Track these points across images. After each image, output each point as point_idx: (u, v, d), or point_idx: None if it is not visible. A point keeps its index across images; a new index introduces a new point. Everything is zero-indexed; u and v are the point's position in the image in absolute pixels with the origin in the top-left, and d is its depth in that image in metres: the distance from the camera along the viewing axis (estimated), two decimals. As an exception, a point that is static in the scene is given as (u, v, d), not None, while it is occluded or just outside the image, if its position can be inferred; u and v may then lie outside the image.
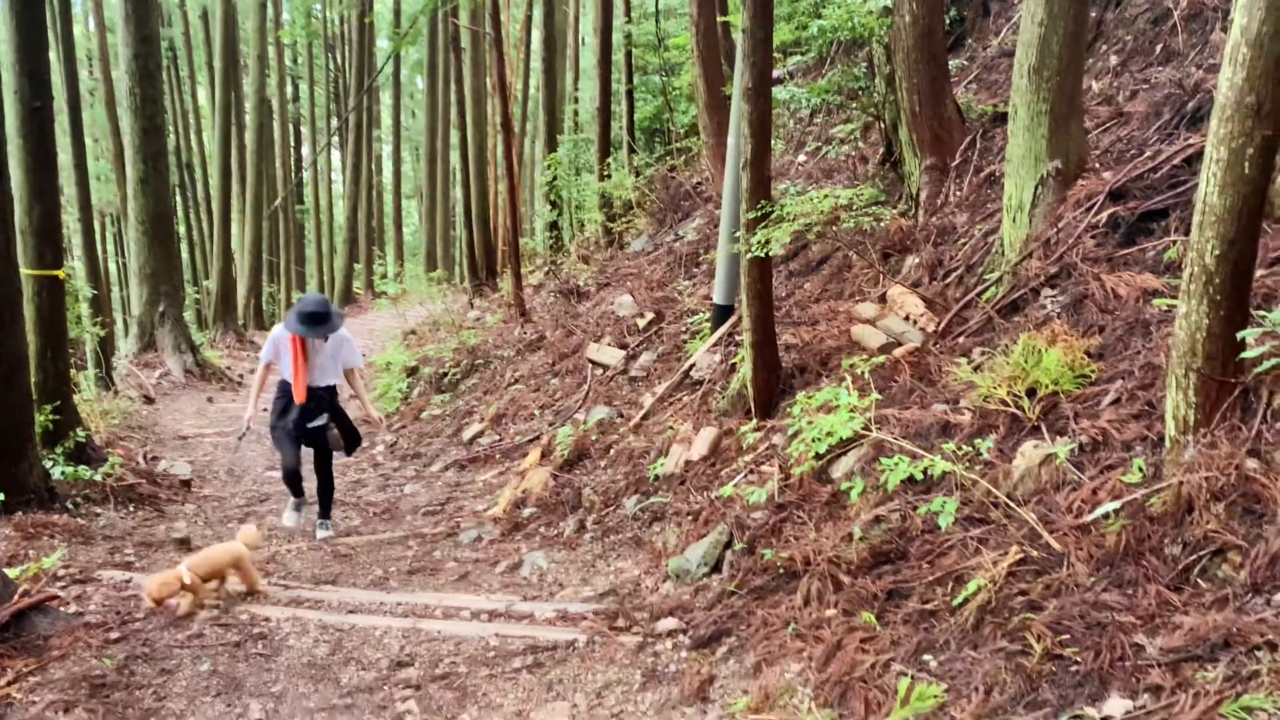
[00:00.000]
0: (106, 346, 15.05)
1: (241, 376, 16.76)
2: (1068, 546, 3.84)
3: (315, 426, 7.12)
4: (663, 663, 4.68)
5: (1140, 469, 3.99)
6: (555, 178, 17.04)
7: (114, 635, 5.10)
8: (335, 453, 7.40)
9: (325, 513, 7.41)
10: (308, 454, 7.41)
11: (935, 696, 3.53)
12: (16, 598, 5.08)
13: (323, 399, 7.18)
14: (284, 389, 7.08)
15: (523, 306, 13.55)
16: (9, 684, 4.52)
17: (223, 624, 5.32)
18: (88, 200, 15.58)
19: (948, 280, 6.68)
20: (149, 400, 13.80)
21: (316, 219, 38.10)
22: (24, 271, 7.39)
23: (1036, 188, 5.98)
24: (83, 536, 6.83)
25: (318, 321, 6.89)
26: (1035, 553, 3.93)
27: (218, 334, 21.05)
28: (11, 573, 5.43)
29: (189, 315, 17.46)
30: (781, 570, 4.89)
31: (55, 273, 7.88)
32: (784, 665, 4.25)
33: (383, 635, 5.24)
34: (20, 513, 6.70)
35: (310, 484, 7.53)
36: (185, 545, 6.87)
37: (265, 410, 7.48)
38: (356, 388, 7.45)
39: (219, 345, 20.11)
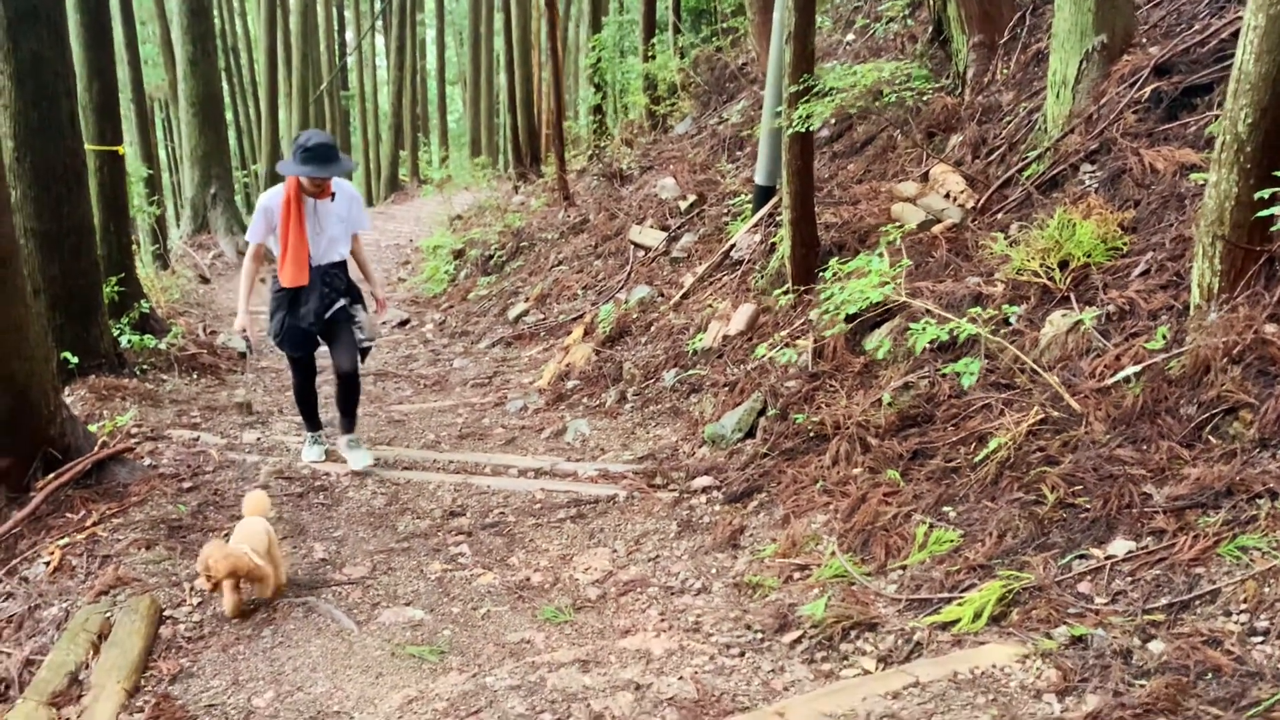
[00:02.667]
0: (161, 227, 15.40)
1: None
2: (1087, 407, 4.00)
3: (335, 313, 5.50)
4: (697, 515, 4.97)
5: (1163, 336, 4.11)
6: (600, 60, 16.88)
7: (186, 485, 5.48)
8: (361, 349, 5.72)
9: (351, 425, 5.85)
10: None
11: (951, 541, 3.77)
12: (97, 448, 5.46)
13: (336, 278, 5.52)
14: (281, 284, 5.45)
15: (567, 190, 13.64)
16: (94, 524, 4.92)
17: (286, 477, 5.69)
18: (140, 81, 15.74)
19: (990, 158, 6.69)
20: (204, 280, 14.20)
21: (362, 105, 38.00)
22: (86, 147, 7.63)
23: (1081, 63, 5.94)
24: (151, 400, 7.22)
25: (328, 158, 5.10)
26: (1056, 413, 4.10)
27: (267, 217, 21.36)
28: (89, 429, 5.82)
29: (238, 199, 17.71)
30: (812, 434, 5.11)
31: (115, 148, 8.13)
32: (811, 517, 4.50)
33: (436, 489, 5.58)
34: (93, 376, 7.09)
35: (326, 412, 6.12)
36: (247, 409, 7.24)
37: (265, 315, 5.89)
38: (362, 259, 5.87)
39: (269, 229, 20.41)
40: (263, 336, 6.49)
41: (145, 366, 7.92)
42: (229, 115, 29.87)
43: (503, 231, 13.53)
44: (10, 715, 3.30)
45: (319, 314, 5.44)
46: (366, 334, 5.68)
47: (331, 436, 6.15)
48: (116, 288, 8.09)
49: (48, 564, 4.55)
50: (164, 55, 23.56)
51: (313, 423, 5.94)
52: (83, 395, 6.84)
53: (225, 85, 30.57)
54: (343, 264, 5.59)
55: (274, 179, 21.96)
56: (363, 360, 5.78)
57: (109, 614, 3.98)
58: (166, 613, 4.13)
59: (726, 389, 6.21)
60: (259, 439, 6.46)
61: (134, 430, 6.28)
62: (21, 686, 3.65)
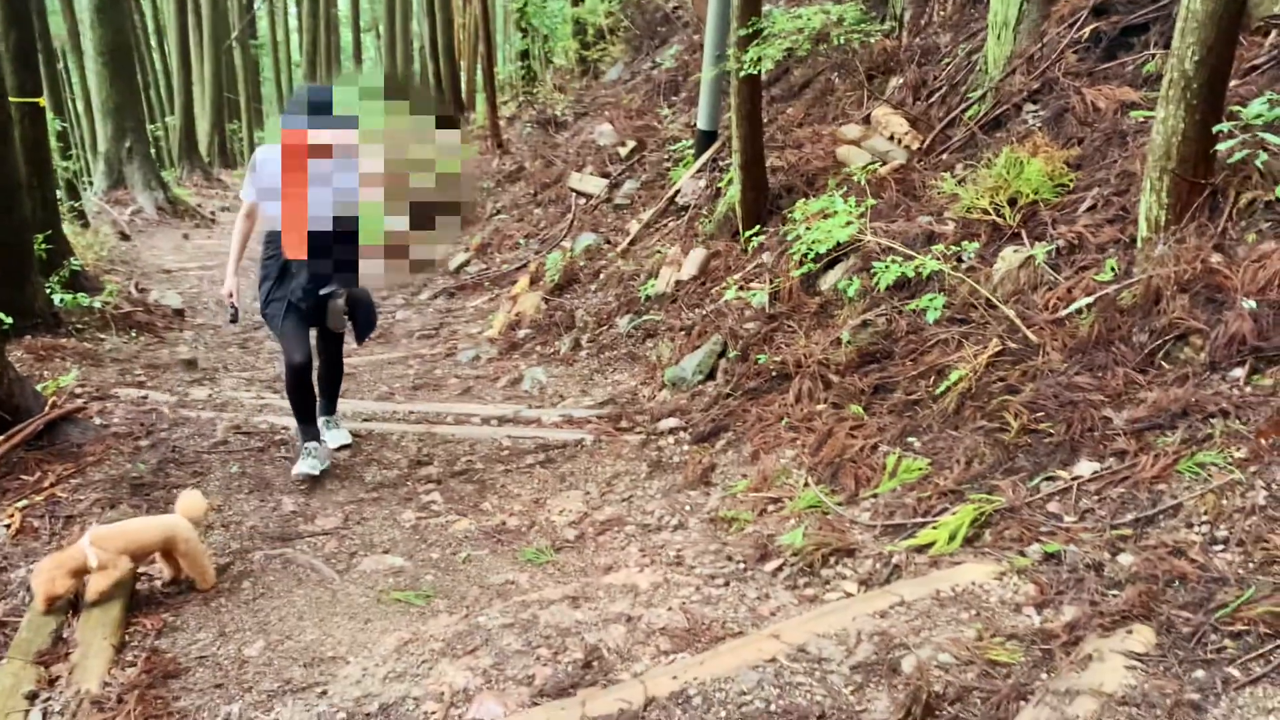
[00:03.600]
0: (75, 183, 14.84)
1: (214, 214, 16.66)
2: (1043, 338, 4.17)
3: (328, 294, 4.89)
4: (666, 455, 5.06)
5: (1113, 268, 4.29)
6: (526, 4, 16.62)
7: (143, 443, 5.39)
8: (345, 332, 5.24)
9: (332, 406, 5.46)
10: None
11: (920, 469, 3.92)
12: (47, 409, 5.33)
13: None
14: (276, 242, 4.82)
15: (499, 137, 13.50)
16: (52, 485, 4.82)
17: (245, 432, 5.62)
18: (45, 29, 15.03)
19: (931, 100, 6.82)
20: (125, 237, 13.74)
21: (274, 55, 36.80)
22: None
23: (1022, 4, 6.07)
24: (92, 359, 7.04)
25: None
26: (1013, 345, 4.27)
27: (184, 172, 20.70)
28: (37, 389, 5.66)
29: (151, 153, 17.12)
30: (774, 373, 5.23)
31: (36, 100, 7.80)
32: (779, 453, 4.63)
33: (399, 439, 5.58)
34: (29, 336, 6.87)
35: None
36: (192, 366, 7.11)
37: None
38: None
39: (186, 183, 19.80)
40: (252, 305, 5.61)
41: (80, 326, 7.70)
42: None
43: (435, 181, 13.33)
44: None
45: (310, 287, 4.79)
46: (333, 324, 5.05)
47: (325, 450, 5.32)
48: (44, 245, 7.82)
49: (8, 527, 4.46)
50: (62, 0, 22.54)
51: (310, 429, 5.10)
52: (20, 356, 6.63)
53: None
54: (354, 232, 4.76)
55: (189, 132, 21.32)
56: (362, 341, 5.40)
57: (82, 573, 3.92)
58: (140, 570, 4.09)
59: (683, 333, 6.29)
60: (210, 395, 6.36)
61: (79, 390, 6.13)
62: (-3, 650, 3.61)
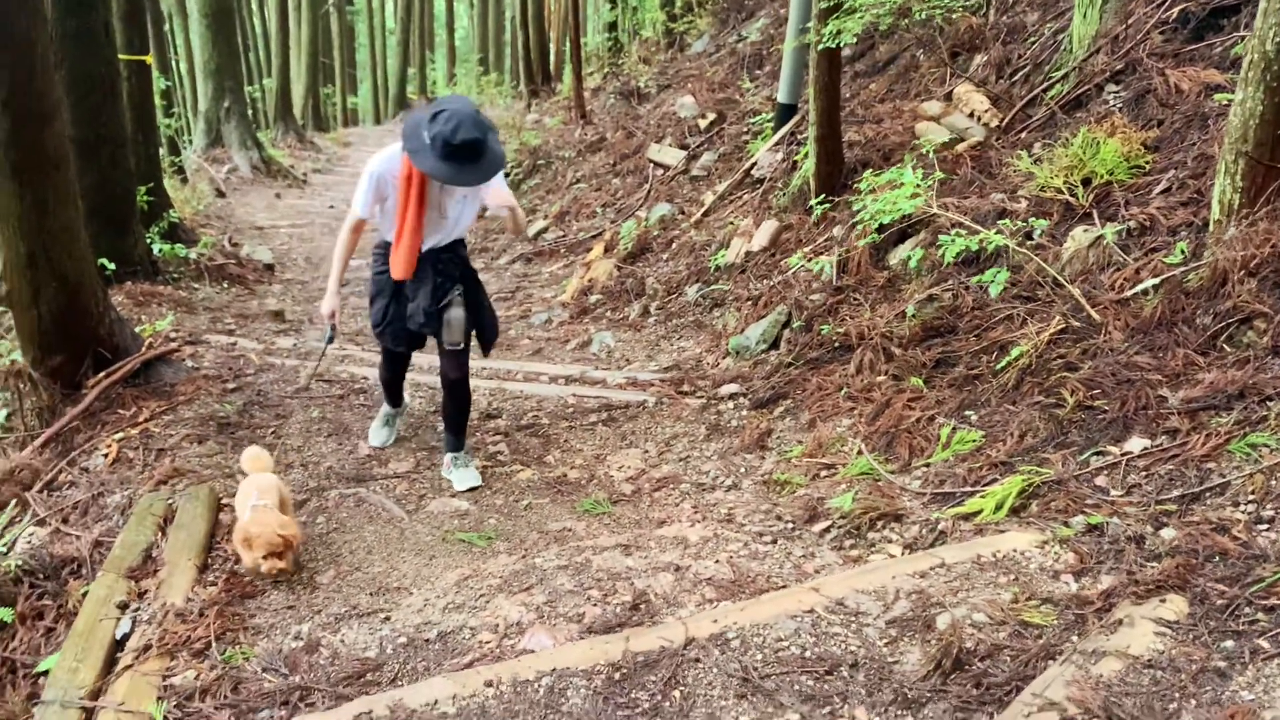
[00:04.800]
0: (176, 140, 15.42)
1: (305, 175, 17.14)
2: (1106, 317, 4.17)
3: (444, 307, 4.45)
4: (725, 419, 5.18)
5: (1182, 250, 4.26)
6: (616, -25, 16.70)
7: (230, 386, 5.69)
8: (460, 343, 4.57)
9: (459, 443, 4.79)
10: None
11: (973, 441, 3.97)
12: (144, 349, 5.66)
13: (450, 264, 4.45)
14: (387, 255, 4.40)
15: (583, 108, 13.64)
16: (146, 420, 5.13)
17: (326, 380, 5.89)
18: (152, -9, 15.62)
19: (1014, 78, 6.75)
20: (220, 194, 14.26)
21: (369, 21, 37.52)
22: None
23: (1110, -17, 5.98)
24: (186, 307, 7.40)
25: (477, 155, 3.90)
26: (1076, 323, 4.27)
27: (278, 134, 21.29)
28: (135, 331, 6.01)
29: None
30: (836, 344, 5.30)
31: (143, 58, 8.17)
32: (836, 421, 4.71)
33: (471, 393, 5.77)
34: (129, 283, 7.26)
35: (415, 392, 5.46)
36: (280, 317, 7.43)
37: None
38: (518, 220, 4.47)
39: (280, 145, 20.37)
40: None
41: (177, 275, 8.09)
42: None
43: (519, 149, 13.56)
44: (94, 585, 3.54)
45: (430, 311, 4.39)
46: (449, 337, 4.49)
47: (403, 418, 5.27)
48: (146, 197, 8.21)
49: (106, 456, 4.78)
50: (170, -35, 23.25)
51: (393, 398, 5.08)
52: (120, 301, 7.00)
53: (232, -2, 30.17)
54: (458, 244, 4.49)
55: (284, 95, 21.89)
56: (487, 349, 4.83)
57: (171, 501, 4.21)
58: (224, 500, 4.35)
59: (750, 303, 6.37)
60: (295, 345, 6.66)
61: (173, 335, 6.47)
62: (93, 565, 3.89)
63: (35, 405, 5.25)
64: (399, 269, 4.28)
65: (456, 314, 4.44)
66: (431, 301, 4.37)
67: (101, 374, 5.33)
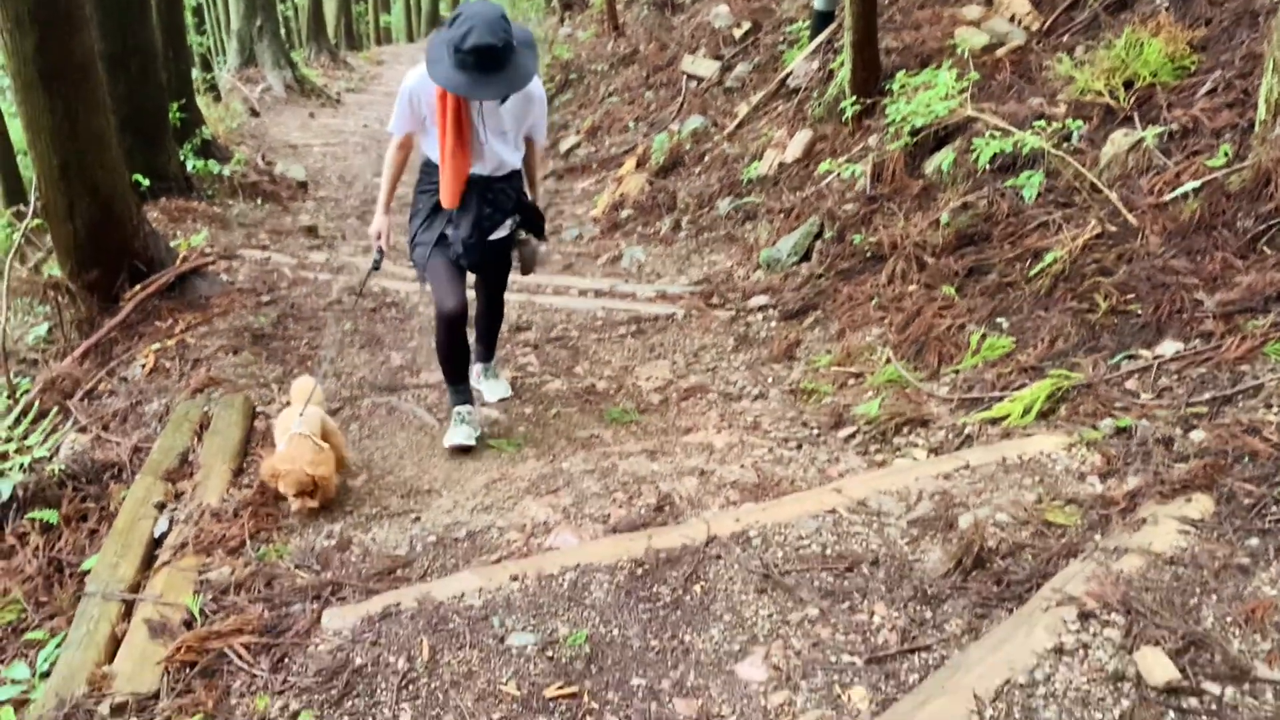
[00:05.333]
0: (209, 59, 15.38)
1: (339, 95, 17.05)
2: (1144, 222, 4.08)
3: (498, 240, 4.09)
4: (753, 331, 5.16)
5: (1226, 153, 4.13)
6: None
7: (265, 299, 5.74)
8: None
9: (489, 353, 4.71)
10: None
11: (1004, 347, 3.93)
12: (178, 263, 5.72)
13: (503, 195, 4.01)
14: (435, 174, 3.98)
15: (616, 20, 13.38)
16: (182, 331, 5.21)
17: (357, 293, 5.92)
18: (180, -93, 15.44)
19: (1058, -20, 6.52)
20: (254, 113, 14.25)
21: (400, -64, 36.86)
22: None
23: (1162, -125, 5.71)
24: (220, 222, 7.45)
25: (496, 64, 3.50)
26: (1113, 228, 4.18)
27: (311, 53, 21.14)
28: (169, 244, 6.07)
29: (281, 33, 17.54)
30: (868, 254, 5.23)
31: (171, -29, 8.12)
32: (865, 330, 4.67)
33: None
34: (163, 198, 7.32)
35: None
36: (313, 233, 7.46)
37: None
38: (530, 169, 4.22)
39: (313, 64, 20.26)
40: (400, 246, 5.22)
41: (211, 191, 8.14)
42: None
43: (550, 64, 13.38)
44: (134, 487, 3.63)
45: (472, 243, 3.96)
46: (526, 265, 4.31)
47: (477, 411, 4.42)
48: (178, 113, 8.23)
49: (143, 366, 4.87)
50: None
51: (460, 388, 4.26)
52: (155, 216, 7.07)
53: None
54: (513, 176, 4.04)
55: (316, 13, 21.67)
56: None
57: (206, 408, 4.28)
58: (258, 409, 4.43)
59: (782, 215, 6.30)
60: (327, 259, 6.69)
61: (208, 249, 6.53)
62: (132, 469, 3.99)
63: (74, 318, 5.34)
64: (445, 196, 3.88)
65: (527, 249, 4.23)
66: (471, 233, 3.93)
67: (138, 287, 5.41)
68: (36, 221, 5.13)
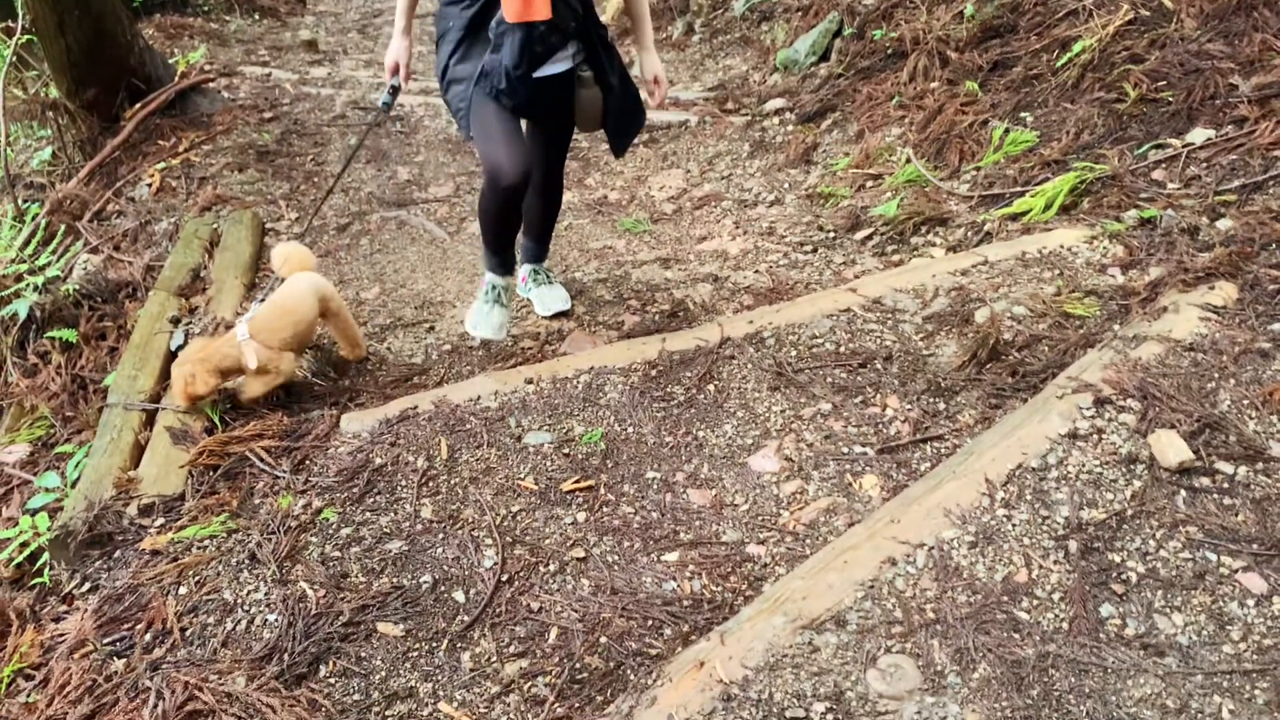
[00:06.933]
0: None
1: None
2: (1179, 4, 3.86)
3: (552, 76, 2.89)
4: (769, 136, 5.01)
5: (1274, -74, 3.86)
6: None
7: (268, 115, 5.60)
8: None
9: (541, 250, 3.56)
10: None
11: (1027, 141, 3.80)
12: (178, 79, 5.56)
13: (565, 11, 2.78)
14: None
15: None
16: (186, 150, 5.11)
17: (362, 107, 5.77)
18: None
19: None
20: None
21: None
22: None
23: None
24: (218, 39, 7.21)
25: None
26: (1146, 13, 3.97)
27: None
28: (167, 61, 5.88)
29: None
30: (889, 51, 5.01)
31: None
32: (885, 131, 4.52)
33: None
34: (158, 14, 7.06)
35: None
36: (313, 47, 7.22)
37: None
38: (637, 11, 3.17)
39: None
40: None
41: (206, 7, 7.84)
42: None
43: None
44: (148, 303, 3.64)
45: (516, 74, 2.78)
46: (582, 121, 3.06)
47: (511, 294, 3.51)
48: (166, -76, 7.83)
49: (150, 186, 4.80)
50: None
51: (502, 258, 3.27)
52: (151, 34, 6.84)
53: None
54: None
55: None
56: (620, 151, 3.27)
57: (215, 225, 4.24)
58: (267, 225, 4.38)
59: (800, 13, 6.01)
60: (329, 74, 6.49)
61: (207, 66, 6.34)
62: (145, 288, 3.99)
63: (76, 138, 5.24)
64: (517, 7, 2.67)
65: (585, 95, 2.94)
66: (519, 60, 2.75)
67: (138, 105, 5.27)
68: (27, 37, 4.95)
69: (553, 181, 3.31)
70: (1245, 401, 2.30)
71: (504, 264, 3.26)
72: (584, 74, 2.91)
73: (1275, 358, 2.41)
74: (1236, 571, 1.94)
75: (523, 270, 3.58)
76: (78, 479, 2.76)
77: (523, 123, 3.06)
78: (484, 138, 2.87)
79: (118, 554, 2.39)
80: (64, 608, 2.28)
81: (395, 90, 3.09)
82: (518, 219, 3.14)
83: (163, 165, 4.92)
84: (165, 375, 3.18)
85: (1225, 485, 2.11)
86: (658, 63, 3.16)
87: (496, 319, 3.22)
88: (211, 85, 5.75)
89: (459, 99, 2.89)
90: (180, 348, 3.33)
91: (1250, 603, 1.89)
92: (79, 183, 4.86)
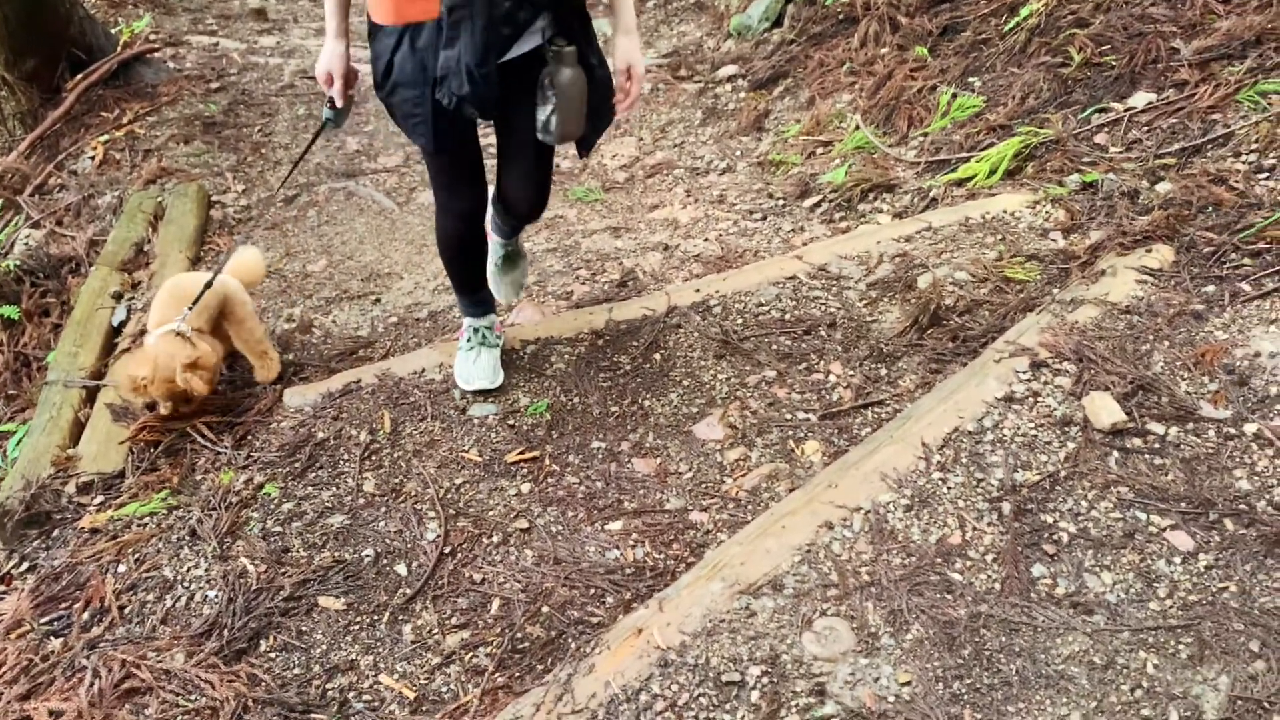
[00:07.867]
0: None
1: None
2: (1126, -32, 3.87)
3: (522, 58, 2.20)
4: (722, 103, 4.99)
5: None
6: None
7: (214, 86, 5.50)
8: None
9: (515, 229, 2.84)
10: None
11: (974, 106, 3.81)
12: (121, 49, 5.44)
13: None
14: None
15: None
16: (130, 122, 5.01)
17: (310, 76, 5.68)
18: None
19: None
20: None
21: None
22: None
23: None
24: (164, 8, 7.04)
25: None
26: (1093, -23, 3.98)
27: None
28: (109, 30, 5.75)
29: None
30: (841, 17, 4.99)
31: None
32: (836, 97, 4.52)
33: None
34: (100, -18, 6.88)
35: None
36: (262, 15, 7.08)
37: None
38: None
39: None
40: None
41: (151, -25, 7.65)
42: None
43: None
44: (89, 279, 3.58)
45: (479, 70, 2.16)
46: (555, 128, 2.29)
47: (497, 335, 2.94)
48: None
49: (93, 158, 4.71)
50: None
51: (474, 298, 2.77)
52: (92, 3, 6.67)
53: None
54: None
55: None
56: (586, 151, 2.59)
57: (160, 199, 4.18)
58: (213, 198, 4.32)
59: (753, -21, 5.97)
60: (278, 43, 6.38)
61: (151, 36, 6.20)
62: (90, 263, 3.92)
63: (15, 110, 5.11)
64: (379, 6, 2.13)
65: (566, 76, 2.22)
66: (482, 53, 2.15)
67: (79, 76, 5.15)
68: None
69: (543, 191, 2.60)
70: (1178, 363, 2.34)
71: (478, 303, 2.75)
72: (564, 48, 2.19)
73: (1208, 319, 2.45)
74: (1165, 530, 1.98)
75: (501, 249, 2.86)
76: (17, 458, 2.73)
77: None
78: (437, 168, 2.45)
79: (56, 533, 2.37)
80: (1, 588, 2.26)
81: (334, 109, 2.50)
82: (483, 245, 2.73)
83: (106, 138, 4.83)
84: (107, 352, 3.14)
85: (1156, 445, 2.15)
86: (637, 51, 2.37)
87: (485, 363, 2.70)
88: (156, 55, 5.63)
89: (410, 105, 2.30)
90: (123, 324, 3.29)
91: (1177, 560, 1.93)
92: (19, 156, 4.75)
